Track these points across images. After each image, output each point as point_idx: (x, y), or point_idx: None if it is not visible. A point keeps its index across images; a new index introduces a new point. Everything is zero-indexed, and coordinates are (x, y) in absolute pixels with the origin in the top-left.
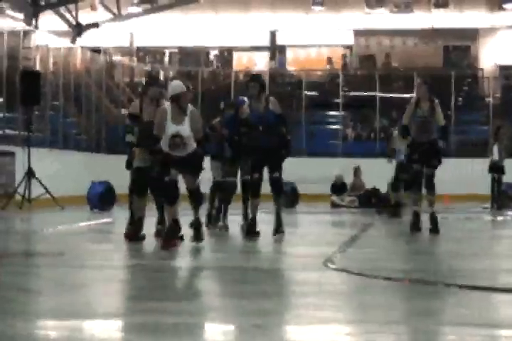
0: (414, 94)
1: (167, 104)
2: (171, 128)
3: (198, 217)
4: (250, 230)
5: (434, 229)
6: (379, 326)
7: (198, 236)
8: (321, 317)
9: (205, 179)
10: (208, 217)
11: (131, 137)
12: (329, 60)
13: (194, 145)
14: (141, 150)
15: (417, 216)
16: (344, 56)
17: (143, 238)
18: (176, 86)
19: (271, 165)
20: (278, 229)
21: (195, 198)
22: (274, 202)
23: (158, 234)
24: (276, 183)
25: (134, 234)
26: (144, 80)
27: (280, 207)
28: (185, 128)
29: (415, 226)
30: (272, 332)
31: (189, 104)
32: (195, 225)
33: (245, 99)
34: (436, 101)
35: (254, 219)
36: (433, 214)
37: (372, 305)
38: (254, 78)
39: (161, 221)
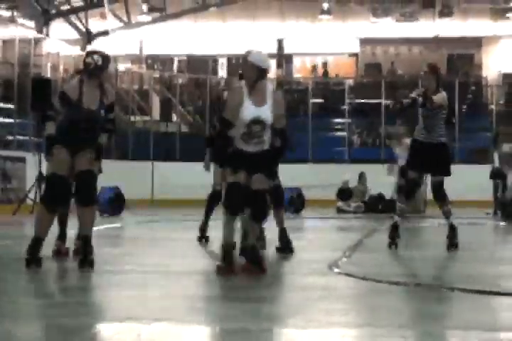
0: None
1: (242, 83)
2: (250, 110)
3: (253, 243)
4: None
5: (451, 243)
6: (386, 330)
7: (259, 265)
8: (328, 321)
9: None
10: (202, 230)
11: (52, 127)
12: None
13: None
14: (61, 150)
15: (395, 229)
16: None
17: (39, 262)
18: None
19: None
20: (287, 248)
21: (258, 206)
22: (274, 215)
23: (58, 252)
24: (277, 192)
25: (30, 256)
26: (96, 60)
27: (283, 220)
28: (266, 111)
29: (392, 240)
30: (280, 336)
31: (269, 83)
32: (253, 256)
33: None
34: (444, 93)
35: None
36: (451, 226)
37: (378, 309)
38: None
39: (62, 237)
